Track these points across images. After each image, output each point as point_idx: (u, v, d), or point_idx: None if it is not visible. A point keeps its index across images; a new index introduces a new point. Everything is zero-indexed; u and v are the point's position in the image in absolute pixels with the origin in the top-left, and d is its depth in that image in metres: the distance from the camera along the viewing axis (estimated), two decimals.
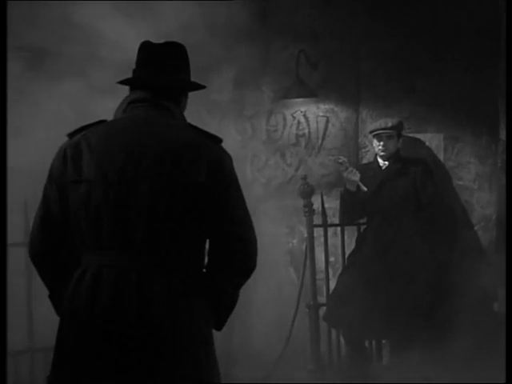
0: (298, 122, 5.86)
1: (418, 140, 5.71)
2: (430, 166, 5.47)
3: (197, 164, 2.49)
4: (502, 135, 5.31)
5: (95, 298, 2.49)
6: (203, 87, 2.74)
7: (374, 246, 5.35)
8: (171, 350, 2.47)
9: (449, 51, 5.55)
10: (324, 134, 5.82)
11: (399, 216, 5.30)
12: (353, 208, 5.39)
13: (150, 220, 2.47)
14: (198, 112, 5.29)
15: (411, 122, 5.66)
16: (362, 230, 5.55)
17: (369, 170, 5.47)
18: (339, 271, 5.54)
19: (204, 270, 2.62)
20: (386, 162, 5.46)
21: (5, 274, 3.46)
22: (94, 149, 2.53)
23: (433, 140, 5.67)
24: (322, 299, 5.51)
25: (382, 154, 5.43)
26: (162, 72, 2.62)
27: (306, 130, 5.86)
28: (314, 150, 5.87)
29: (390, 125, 5.35)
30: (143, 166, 2.49)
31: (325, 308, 5.47)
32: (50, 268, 2.64)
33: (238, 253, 2.55)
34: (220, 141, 2.59)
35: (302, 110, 5.83)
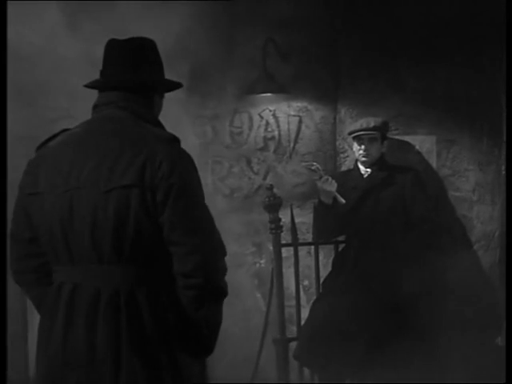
0: (267, 123, 5.48)
1: (407, 143, 5.34)
2: (421, 174, 5.12)
3: (132, 165, 2.42)
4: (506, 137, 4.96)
5: (53, 319, 2.51)
6: (179, 86, 2.70)
7: (354, 269, 4.92)
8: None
9: (444, 41, 5.21)
10: (296, 136, 5.46)
11: (384, 234, 4.90)
12: (329, 224, 5.00)
13: (92, 230, 2.46)
14: None
15: (398, 122, 5.31)
16: (339, 249, 5.13)
17: (348, 179, 5.07)
18: (314, 298, 5.13)
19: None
20: (369, 170, 5.04)
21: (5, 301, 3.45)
22: (48, 160, 2.55)
23: (424, 143, 5.32)
24: (293, 329, 5.08)
25: (363, 159, 5.01)
26: (128, 71, 2.57)
27: (276, 132, 5.50)
28: (285, 156, 5.52)
29: (372, 125, 4.94)
30: (84, 174, 2.48)
31: (295, 343, 4.97)
32: (32, 287, 2.67)
33: (190, 266, 2.46)
34: (172, 140, 2.51)
35: (271, 108, 5.45)
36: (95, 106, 2.62)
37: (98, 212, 2.46)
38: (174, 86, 2.71)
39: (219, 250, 2.51)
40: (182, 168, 2.47)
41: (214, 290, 2.51)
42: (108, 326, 2.46)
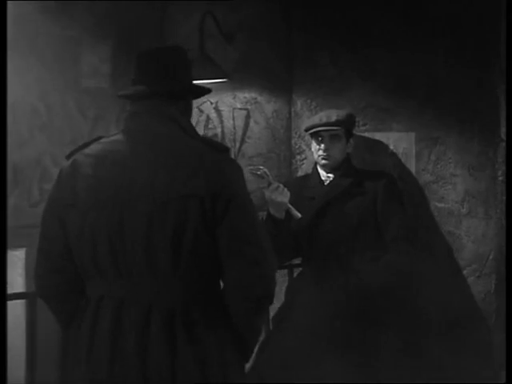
0: (207, 118, 5.19)
1: (379, 142, 4.94)
2: (396, 180, 4.63)
3: (195, 176, 2.60)
4: (504, 134, 4.57)
5: (93, 336, 2.62)
6: (209, 91, 2.95)
7: (312, 300, 4.40)
8: None
9: (423, 14, 4.80)
10: (243, 134, 5.14)
11: (350, 256, 4.39)
12: (281, 243, 4.38)
13: (147, 243, 2.58)
14: (63, 106, 4.79)
15: (368, 116, 4.93)
16: (295, 275, 4.69)
17: (305, 187, 4.59)
18: (262, 336, 4.54)
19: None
20: (331, 175, 4.52)
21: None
22: (87, 170, 2.68)
23: (400, 142, 4.91)
24: None
25: (323, 162, 4.49)
26: (167, 77, 2.78)
27: (219, 130, 5.20)
28: None
29: (334, 119, 4.46)
30: (137, 184, 2.62)
31: None
32: (61, 303, 2.77)
33: (251, 278, 2.62)
34: (225, 149, 2.74)
35: (213, 100, 5.12)
36: (133, 114, 2.78)
37: (153, 224, 2.58)
38: (206, 91, 2.94)
39: (275, 261, 2.70)
40: (238, 178, 2.68)
41: (270, 300, 2.70)
42: (162, 345, 2.57)
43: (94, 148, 2.72)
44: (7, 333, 3.29)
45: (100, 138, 2.79)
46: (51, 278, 2.77)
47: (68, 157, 2.76)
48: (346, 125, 4.51)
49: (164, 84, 2.79)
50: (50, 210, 2.75)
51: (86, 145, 2.76)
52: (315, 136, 4.50)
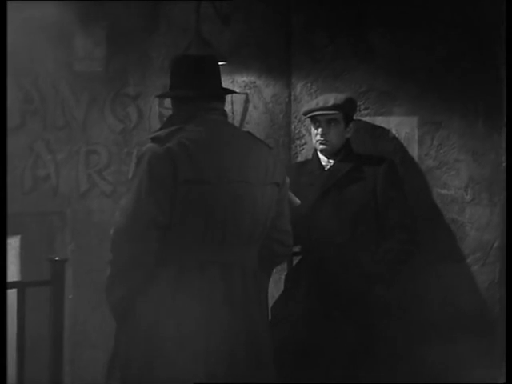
0: None
1: (380, 127, 4.83)
2: (398, 166, 4.55)
3: (269, 166, 3.25)
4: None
5: (204, 293, 3.05)
6: (235, 92, 3.76)
7: (311, 290, 4.29)
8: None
9: None
10: (242, 119, 5.04)
11: (350, 244, 4.31)
12: None
13: (250, 217, 3.16)
14: (55, 90, 4.72)
15: (369, 100, 4.81)
16: (294, 264, 4.54)
17: (305, 173, 4.53)
18: None
19: None
20: (332, 161, 4.44)
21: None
22: (196, 150, 3.10)
23: (402, 126, 4.81)
24: None
25: (321, 147, 4.41)
26: (213, 81, 3.28)
27: None
28: None
29: (331, 103, 4.39)
30: (242, 169, 3.16)
31: None
32: (147, 267, 3.06)
33: (282, 242, 3.39)
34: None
35: None
36: (201, 110, 3.20)
37: (255, 202, 3.14)
38: (232, 92, 3.58)
39: None
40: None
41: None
42: (254, 295, 3.18)
43: (188, 135, 3.08)
44: (7, 325, 3.23)
45: (181, 128, 3.11)
46: (152, 245, 3.01)
47: (160, 140, 3.06)
48: (344, 109, 4.41)
49: (200, 87, 3.22)
50: (158, 185, 3.01)
51: (176, 132, 3.09)
52: (313, 120, 4.41)
